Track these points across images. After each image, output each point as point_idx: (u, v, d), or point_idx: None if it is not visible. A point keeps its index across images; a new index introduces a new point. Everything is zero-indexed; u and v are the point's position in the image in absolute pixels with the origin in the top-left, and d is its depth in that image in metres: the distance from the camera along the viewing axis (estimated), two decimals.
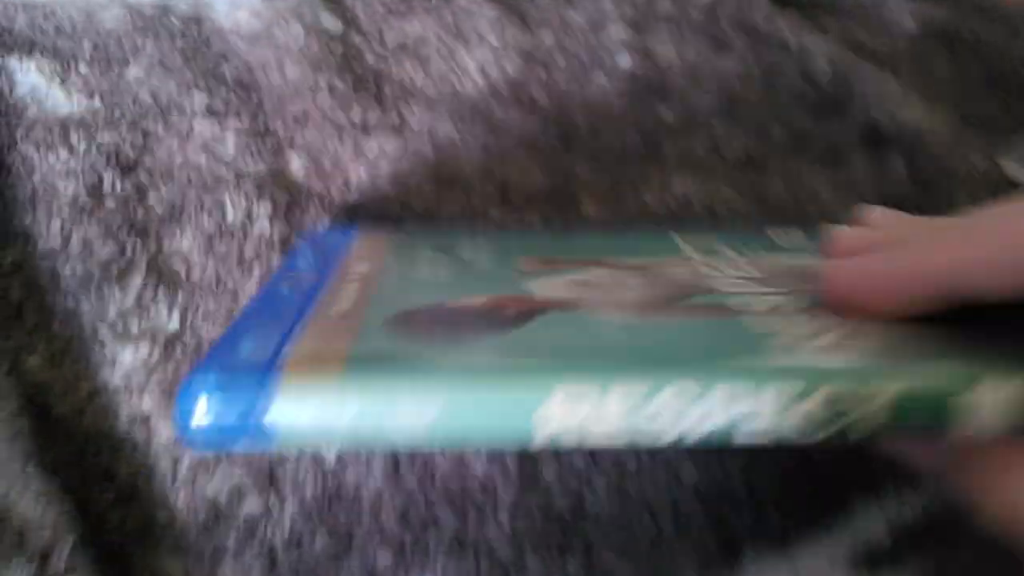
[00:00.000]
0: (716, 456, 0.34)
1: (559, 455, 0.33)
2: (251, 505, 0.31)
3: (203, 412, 0.20)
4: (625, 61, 0.42)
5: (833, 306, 0.25)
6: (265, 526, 0.31)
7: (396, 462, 0.32)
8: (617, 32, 0.43)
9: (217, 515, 0.31)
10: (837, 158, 0.39)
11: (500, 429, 0.21)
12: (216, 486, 0.32)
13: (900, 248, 0.25)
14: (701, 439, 0.20)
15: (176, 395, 0.21)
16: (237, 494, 0.31)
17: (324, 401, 0.20)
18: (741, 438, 0.20)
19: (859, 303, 0.24)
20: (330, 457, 0.32)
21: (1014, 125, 0.41)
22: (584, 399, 0.20)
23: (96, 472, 0.31)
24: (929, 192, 0.37)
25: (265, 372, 0.21)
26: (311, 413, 0.20)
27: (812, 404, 0.20)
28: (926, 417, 0.20)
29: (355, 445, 0.21)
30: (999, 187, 0.37)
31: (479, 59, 0.41)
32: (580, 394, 0.20)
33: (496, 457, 0.33)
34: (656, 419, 0.20)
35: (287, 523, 0.31)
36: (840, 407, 0.20)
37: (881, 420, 0.20)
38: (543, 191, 0.38)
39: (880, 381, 0.20)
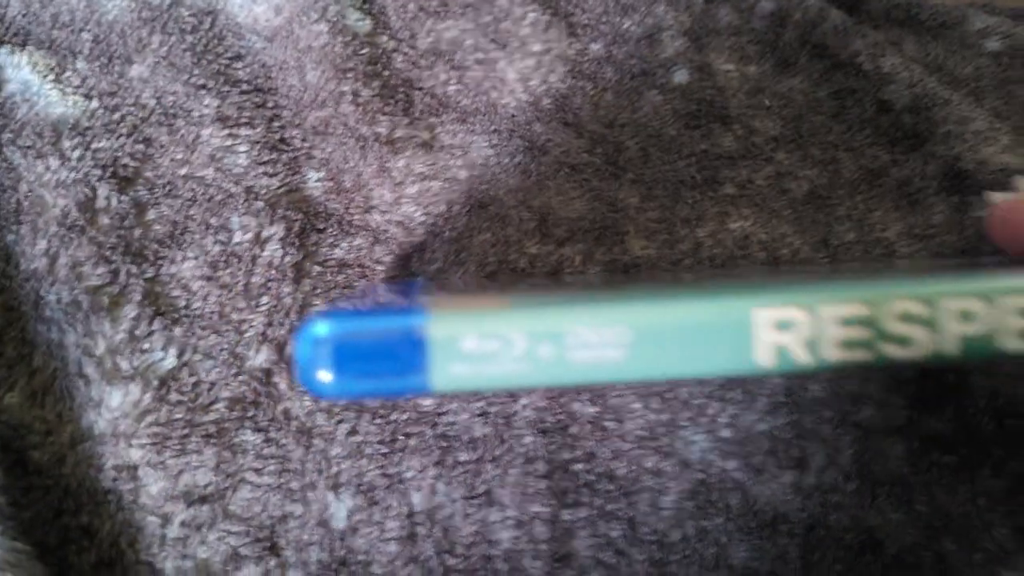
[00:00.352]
0: (771, 534, 0.30)
1: (606, 515, 0.29)
2: (248, 573, 0.28)
3: (342, 346, 0.17)
4: (682, 77, 0.38)
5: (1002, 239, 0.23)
6: None
7: (413, 526, 0.29)
8: (673, 44, 0.39)
9: None
10: (913, 199, 0.35)
11: (714, 342, 0.18)
12: (209, 550, 0.28)
13: None
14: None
15: (297, 334, 0.17)
16: (233, 560, 0.28)
17: (489, 331, 0.17)
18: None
19: None
20: (340, 517, 0.29)
21: None
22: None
23: (75, 531, 0.28)
24: None
25: (406, 312, 0.18)
26: (474, 346, 0.17)
27: None
28: None
29: (524, 385, 0.18)
30: None
31: (520, 69, 0.37)
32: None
33: (525, 524, 0.29)
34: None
35: None
36: None
37: None
38: (586, 223, 0.34)
39: None
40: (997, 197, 0.24)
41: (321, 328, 0.17)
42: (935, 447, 0.31)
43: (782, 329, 0.18)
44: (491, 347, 0.17)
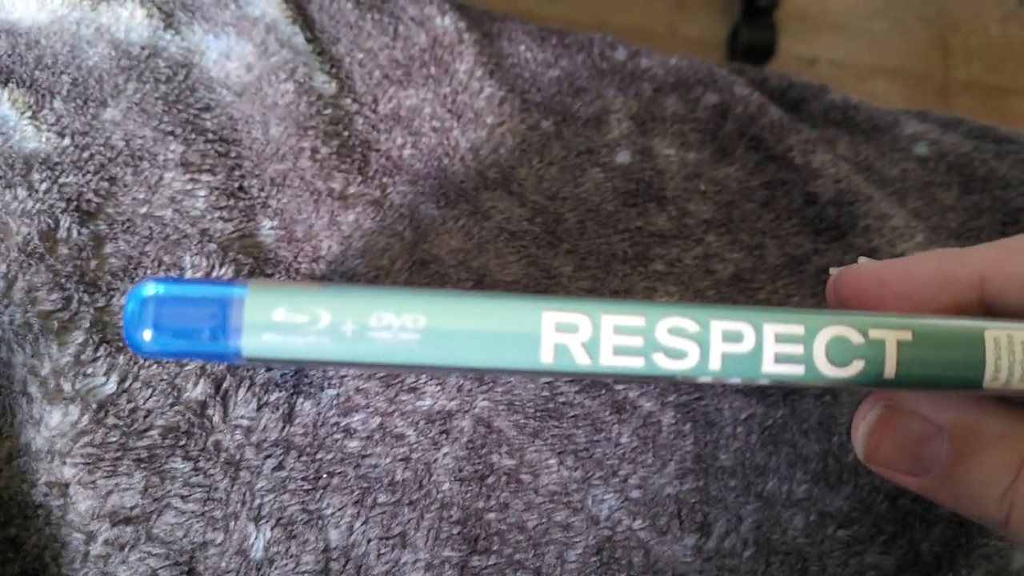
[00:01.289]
0: None
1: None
2: None
3: (164, 306, 0.19)
4: (624, 157, 0.40)
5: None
6: None
7: (327, 561, 0.30)
8: (619, 126, 0.41)
9: None
10: None
11: (503, 337, 0.20)
12: (129, 569, 0.29)
13: (919, 258, 0.24)
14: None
15: (128, 293, 0.19)
16: None
17: (298, 306, 0.20)
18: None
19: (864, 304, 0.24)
20: (258, 548, 0.30)
21: None
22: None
23: (2, 542, 0.29)
24: None
25: (228, 284, 0.20)
26: (283, 317, 0.19)
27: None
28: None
29: (328, 359, 0.20)
30: None
31: (472, 139, 0.40)
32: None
33: (435, 567, 0.31)
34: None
35: None
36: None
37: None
38: (520, 286, 0.36)
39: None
40: (834, 271, 0.26)
41: (149, 288, 0.19)
42: (831, 521, 0.32)
43: (564, 331, 0.20)
44: (299, 320, 0.19)
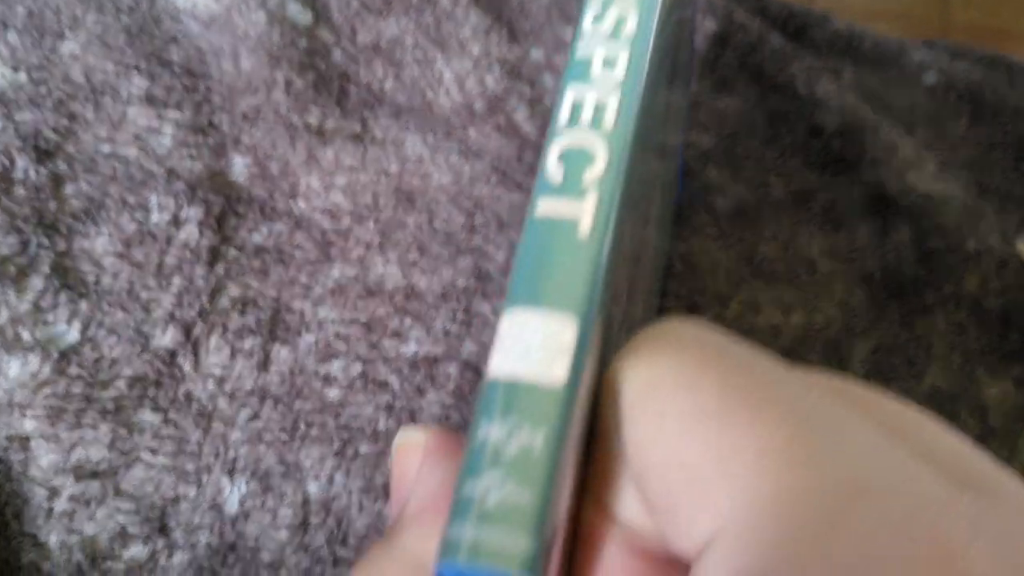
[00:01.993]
0: None
1: None
2: (135, 552, 0.27)
3: None
4: None
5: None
6: None
7: (306, 514, 0.29)
8: None
9: (94, 560, 0.27)
10: (838, 221, 0.35)
11: None
12: (97, 526, 0.28)
13: None
14: None
15: None
16: (120, 537, 0.27)
17: None
18: None
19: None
20: (233, 502, 0.28)
21: None
22: None
23: None
24: (934, 269, 0.34)
25: None
26: None
27: None
28: None
29: None
30: (1014, 269, 0.33)
31: (457, 70, 0.38)
32: None
33: None
34: None
35: None
36: None
37: None
38: (516, 223, 0.34)
39: None
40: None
41: None
42: None
43: None
44: None
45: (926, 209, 0.35)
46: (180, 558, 0.27)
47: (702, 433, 0.14)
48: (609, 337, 0.16)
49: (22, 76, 0.34)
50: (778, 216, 0.35)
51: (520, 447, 0.14)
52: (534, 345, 0.15)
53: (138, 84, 0.34)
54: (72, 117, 0.33)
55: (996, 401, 0.31)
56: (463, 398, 0.31)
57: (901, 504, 0.13)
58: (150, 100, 0.34)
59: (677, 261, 0.34)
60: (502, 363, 0.15)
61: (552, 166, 0.16)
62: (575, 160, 0.16)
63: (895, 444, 0.14)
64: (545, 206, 0.15)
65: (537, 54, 0.39)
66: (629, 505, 0.16)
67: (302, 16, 0.37)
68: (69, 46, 0.35)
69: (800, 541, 0.13)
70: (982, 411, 0.31)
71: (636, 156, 0.16)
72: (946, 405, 0.31)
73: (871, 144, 0.36)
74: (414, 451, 0.18)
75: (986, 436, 0.31)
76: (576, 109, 0.16)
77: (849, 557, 0.13)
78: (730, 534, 0.14)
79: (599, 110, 0.16)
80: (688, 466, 0.14)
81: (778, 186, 0.36)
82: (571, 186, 0.16)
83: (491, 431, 0.14)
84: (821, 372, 0.16)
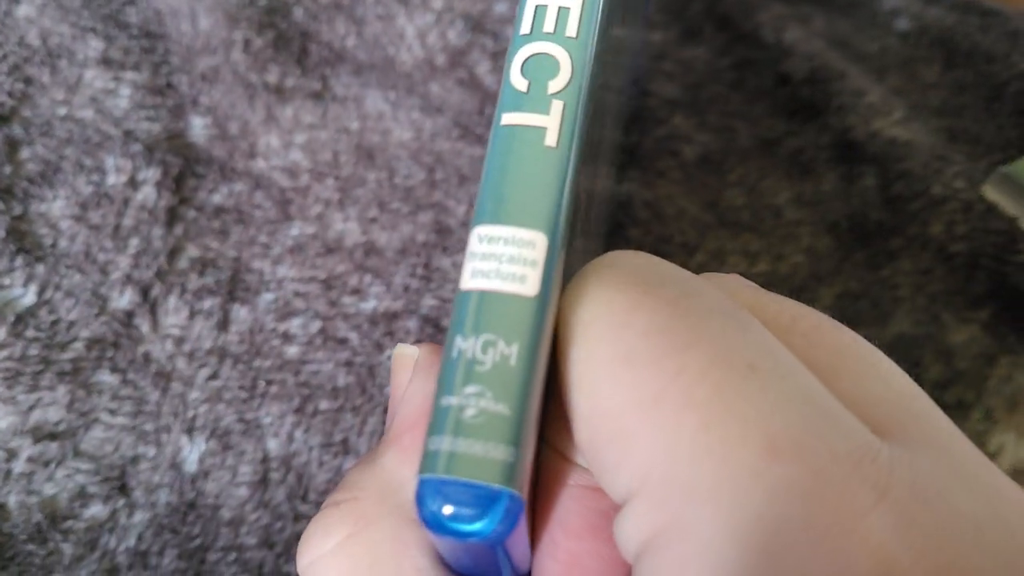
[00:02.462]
0: None
1: None
2: (96, 511, 0.28)
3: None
4: None
5: None
6: (108, 537, 0.27)
7: (266, 471, 0.28)
8: None
9: (54, 519, 0.27)
10: (805, 168, 0.35)
11: None
12: (56, 486, 0.28)
13: None
14: None
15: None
16: (80, 497, 0.28)
17: None
18: None
19: None
20: (192, 460, 0.28)
21: (1004, 146, 0.36)
22: None
23: None
24: (899, 215, 0.33)
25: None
26: None
27: None
28: None
29: None
30: (979, 214, 0.33)
31: (419, 25, 0.37)
32: None
33: None
34: None
35: (134, 535, 0.27)
36: None
37: None
38: (476, 177, 0.34)
39: None
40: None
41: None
42: None
43: None
44: None
45: (892, 155, 0.34)
46: (140, 517, 0.27)
47: (628, 379, 0.14)
48: (571, 254, 0.16)
49: None
50: (744, 163, 0.35)
51: (495, 360, 0.14)
52: (505, 258, 0.15)
53: (95, 46, 0.34)
54: (28, 81, 0.33)
55: (963, 345, 0.31)
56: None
57: (810, 466, 0.13)
58: (107, 62, 0.34)
59: (642, 209, 0.33)
60: (473, 277, 0.15)
61: (516, 75, 0.16)
62: (539, 69, 0.16)
63: (822, 390, 0.14)
64: (511, 116, 0.15)
65: (501, 7, 0.38)
66: (576, 448, 0.16)
67: None
68: (24, 9, 0.34)
69: (709, 504, 0.13)
70: (948, 355, 0.31)
71: (598, 66, 0.16)
72: (912, 350, 0.31)
73: (838, 91, 0.36)
74: (408, 364, 0.18)
75: (953, 380, 0.31)
76: (538, 16, 0.16)
77: (753, 525, 0.13)
78: (646, 491, 0.14)
79: (562, 17, 0.16)
80: (612, 415, 0.14)
81: (744, 133, 0.35)
82: (536, 95, 0.15)
83: (466, 345, 0.14)
84: (772, 302, 0.16)
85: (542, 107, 0.15)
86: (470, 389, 0.14)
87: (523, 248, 0.15)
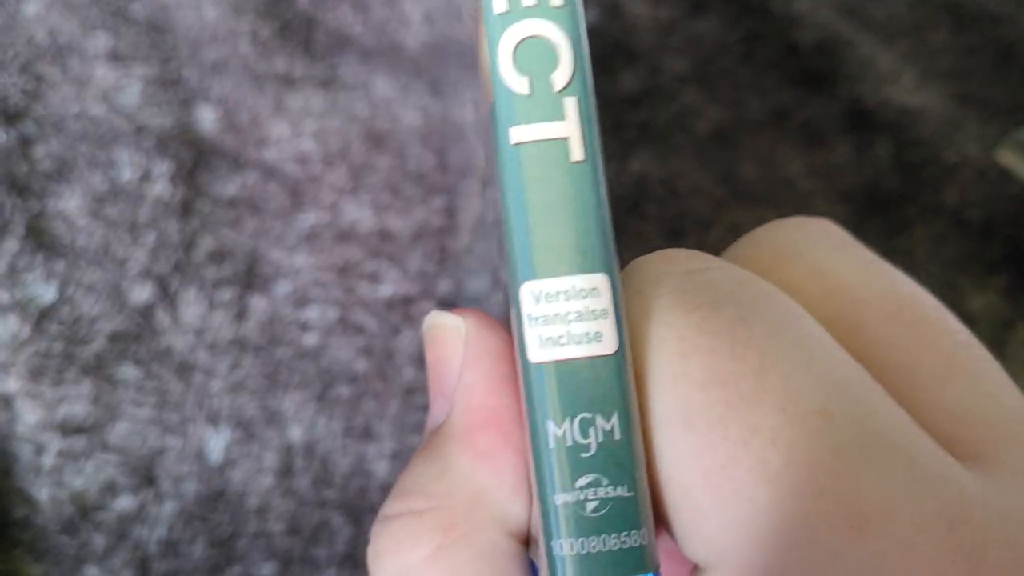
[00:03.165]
0: None
1: None
2: (125, 502, 0.28)
3: None
4: (591, 17, 0.38)
5: None
6: (139, 528, 0.28)
7: (290, 459, 0.29)
8: None
9: (85, 512, 0.28)
10: (816, 138, 0.35)
11: None
12: (86, 480, 0.28)
13: None
14: None
15: None
16: (110, 490, 0.28)
17: None
18: None
19: None
20: (217, 450, 0.29)
21: (1014, 108, 0.36)
22: None
23: None
24: (914, 181, 0.33)
25: None
26: None
27: None
28: None
29: None
30: (993, 179, 0.33)
31: (426, 9, 0.37)
32: None
33: (401, 454, 0.29)
34: None
35: (164, 526, 0.28)
36: None
37: None
38: (483, 163, 0.34)
39: None
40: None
41: None
42: None
43: None
44: None
45: (904, 122, 0.34)
46: (170, 506, 0.28)
47: (691, 447, 0.13)
48: None
49: None
50: (756, 136, 0.35)
51: (599, 441, 0.13)
52: (572, 316, 0.13)
53: (103, 42, 0.34)
54: (39, 79, 0.33)
55: (980, 311, 0.31)
56: None
57: (897, 539, 0.12)
58: (116, 57, 0.34)
59: (656, 186, 0.33)
60: (543, 347, 0.13)
61: (510, 72, 0.13)
62: (535, 59, 0.13)
63: (909, 428, 0.13)
64: (521, 131, 0.13)
65: None
66: None
67: None
68: (32, 8, 0.35)
69: None
70: (966, 319, 0.31)
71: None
72: None
73: (847, 59, 0.36)
74: (451, 337, 0.16)
75: None
76: None
77: None
78: (723, 569, 0.13)
79: None
80: (678, 485, 0.13)
81: (755, 105, 0.35)
82: (543, 96, 0.13)
83: (560, 431, 0.13)
84: (877, 278, 0.15)
85: (555, 111, 0.13)
86: (583, 481, 0.12)
87: (588, 299, 0.13)
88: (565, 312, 0.12)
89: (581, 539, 0.12)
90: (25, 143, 0.32)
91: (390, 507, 0.15)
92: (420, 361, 0.30)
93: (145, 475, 0.28)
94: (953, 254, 0.32)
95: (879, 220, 0.33)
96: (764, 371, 0.12)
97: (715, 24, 0.38)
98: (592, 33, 0.35)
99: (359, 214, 0.32)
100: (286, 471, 0.29)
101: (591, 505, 0.12)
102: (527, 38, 0.13)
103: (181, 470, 0.28)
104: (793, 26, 0.37)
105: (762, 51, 0.37)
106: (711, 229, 0.33)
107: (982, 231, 0.32)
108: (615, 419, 0.12)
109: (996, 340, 0.31)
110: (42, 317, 0.29)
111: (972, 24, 0.39)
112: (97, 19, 0.35)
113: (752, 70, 0.36)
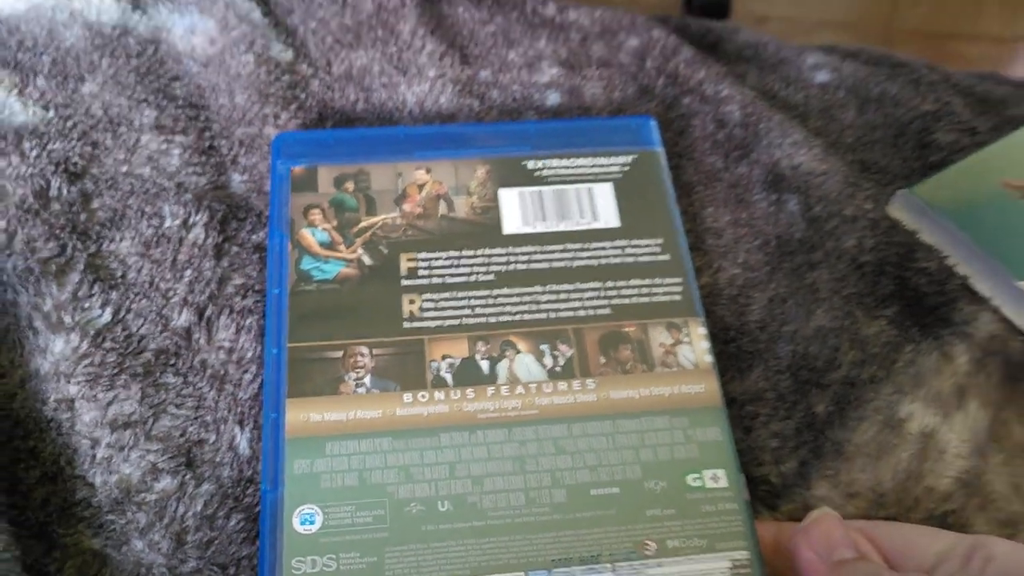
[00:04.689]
0: None
1: None
2: (166, 484, 0.34)
3: None
4: (554, 99, 0.45)
5: None
6: (177, 504, 0.33)
7: None
8: (550, 72, 0.46)
9: (128, 493, 0.33)
10: (740, 197, 0.42)
11: None
12: (132, 466, 0.34)
13: None
14: None
15: None
16: (152, 473, 0.34)
17: None
18: None
19: None
20: (244, 446, 0.35)
21: (908, 174, 0.44)
22: None
23: (23, 452, 0.34)
24: (819, 232, 0.40)
25: None
26: None
27: None
28: None
29: None
30: (885, 229, 0.40)
31: (417, 92, 0.44)
32: None
33: None
34: None
35: (201, 502, 0.33)
36: None
37: None
38: None
39: None
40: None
41: None
42: (748, 403, 0.37)
43: None
44: None
45: (812, 184, 0.41)
46: (207, 487, 0.34)
47: None
48: None
49: (51, 113, 0.40)
50: (689, 195, 0.42)
51: None
52: None
53: (148, 115, 0.41)
54: (95, 144, 0.40)
55: (873, 336, 0.38)
56: None
57: None
58: (159, 128, 0.41)
59: None
60: None
61: None
62: None
63: None
64: None
65: (485, 74, 0.46)
66: None
67: (284, 54, 0.44)
68: (89, 87, 0.42)
69: None
70: (862, 343, 0.38)
71: None
72: (830, 339, 0.38)
73: (766, 131, 0.43)
74: (833, 527, 0.30)
75: (867, 361, 0.37)
76: None
77: None
78: None
79: None
80: None
81: (688, 170, 0.43)
82: None
83: None
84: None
85: None
86: None
87: None
88: None
89: None
90: (85, 197, 0.38)
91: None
92: None
93: (185, 460, 0.34)
94: (851, 290, 0.39)
95: (790, 263, 0.40)
96: None
97: (657, 104, 0.45)
98: (557, 112, 0.42)
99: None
100: None
101: None
102: None
103: (216, 458, 0.34)
104: (722, 104, 0.44)
105: (696, 125, 0.45)
106: None
107: (875, 271, 0.39)
108: None
109: (887, 360, 0.37)
110: (97, 335, 0.36)
111: (875, 105, 0.47)
112: (143, 96, 0.42)
113: (687, 142, 0.44)
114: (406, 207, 0.39)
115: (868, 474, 0.35)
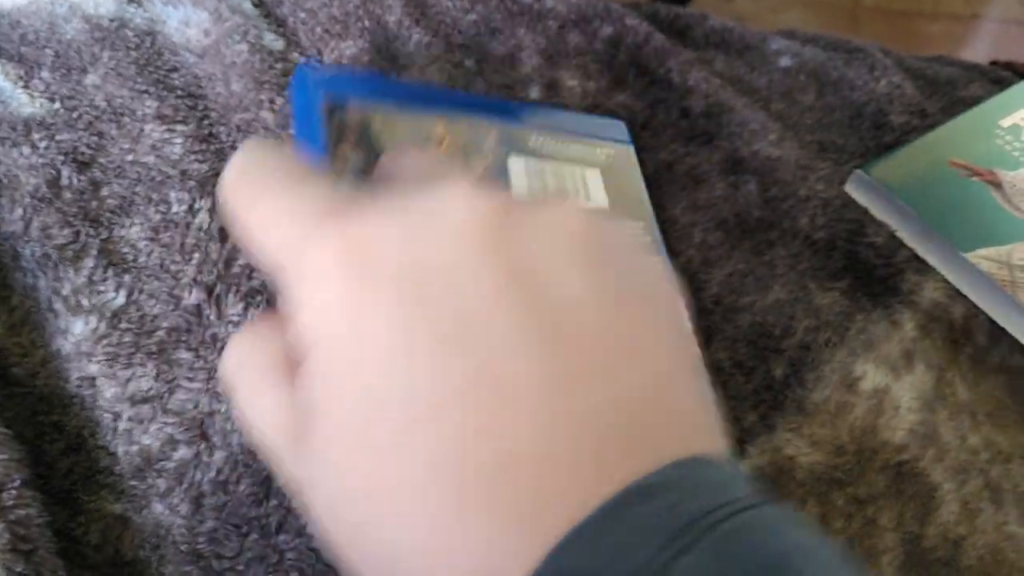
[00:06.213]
0: None
1: None
2: (183, 453, 0.37)
3: None
4: (535, 92, 0.48)
5: None
6: (194, 471, 0.36)
7: None
8: (531, 62, 0.49)
9: (149, 461, 0.36)
10: (699, 180, 0.45)
11: None
12: (151, 438, 0.37)
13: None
14: None
15: None
16: (170, 443, 0.37)
17: None
18: None
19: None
20: None
21: (863, 152, 0.47)
22: None
23: (48, 426, 0.36)
24: (775, 212, 0.44)
25: None
26: None
27: None
28: None
29: None
30: (837, 208, 0.44)
31: (406, 80, 0.47)
32: None
33: None
34: None
35: (214, 469, 0.36)
36: None
37: None
38: None
39: None
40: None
41: None
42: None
43: None
44: None
45: (768, 168, 0.45)
46: (220, 455, 0.37)
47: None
48: None
49: (57, 105, 0.43)
50: (659, 183, 0.45)
51: None
52: None
53: (150, 105, 0.44)
54: (100, 135, 0.42)
55: (827, 306, 0.42)
56: None
57: None
58: (161, 117, 0.43)
59: None
60: None
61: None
62: None
63: None
64: None
65: (469, 62, 0.48)
66: None
67: (276, 44, 0.47)
68: (92, 78, 0.44)
69: None
70: (816, 311, 0.41)
71: None
72: (787, 309, 0.41)
73: (727, 121, 0.46)
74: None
75: (821, 327, 0.41)
76: None
77: None
78: None
79: None
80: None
81: (650, 157, 0.46)
82: None
83: None
84: None
85: None
86: None
87: None
88: None
89: None
90: (95, 185, 0.41)
91: None
92: None
93: (198, 431, 0.37)
94: (806, 265, 0.42)
95: (748, 241, 0.43)
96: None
97: (628, 96, 0.48)
98: (539, 102, 0.45)
99: None
100: None
101: None
102: None
103: (228, 427, 0.37)
104: (688, 94, 0.48)
105: (661, 115, 0.48)
106: None
107: (827, 247, 0.43)
108: None
109: (840, 327, 0.41)
110: (113, 316, 0.38)
111: (833, 88, 0.50)
112: (144, 87, 0.44)
113: (651, 132, 0.47)
114: None
115: (828, 428, 0.39)
